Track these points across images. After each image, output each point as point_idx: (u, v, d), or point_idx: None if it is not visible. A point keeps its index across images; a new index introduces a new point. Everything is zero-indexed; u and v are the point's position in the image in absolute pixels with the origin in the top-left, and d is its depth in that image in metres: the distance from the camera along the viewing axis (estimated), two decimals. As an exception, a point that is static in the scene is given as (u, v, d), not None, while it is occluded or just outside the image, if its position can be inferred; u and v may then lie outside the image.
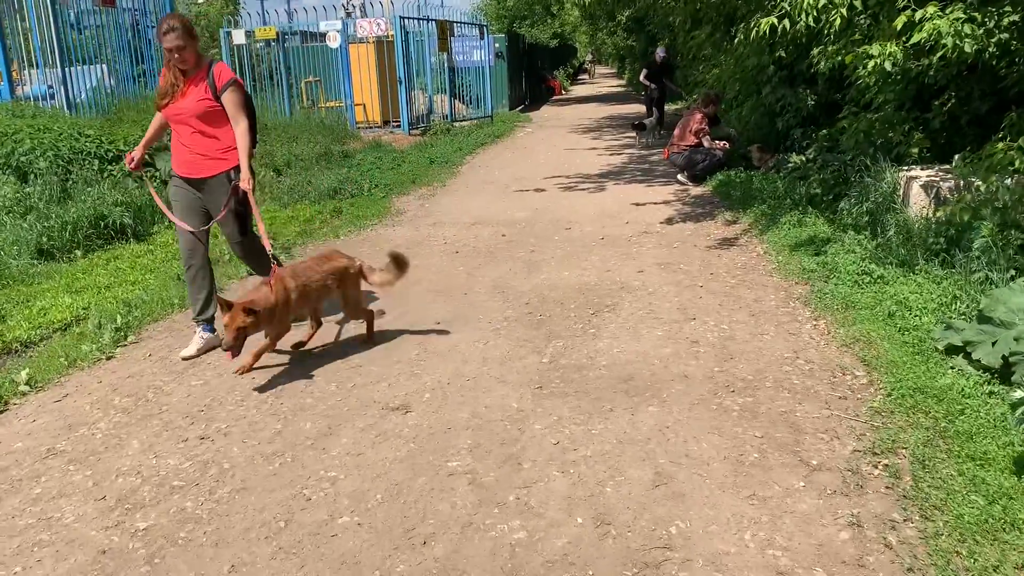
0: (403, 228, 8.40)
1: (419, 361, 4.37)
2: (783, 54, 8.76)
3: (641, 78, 16.78)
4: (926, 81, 7.19)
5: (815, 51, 8.12)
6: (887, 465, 3.00)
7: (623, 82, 44.18)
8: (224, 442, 3.52)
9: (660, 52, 16.42)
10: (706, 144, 9.79)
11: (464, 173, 12.31)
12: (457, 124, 18.30)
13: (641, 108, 24.91)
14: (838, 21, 6.01)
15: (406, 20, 16.18)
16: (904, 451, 3.08)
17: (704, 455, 3.17)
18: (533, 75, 31.21)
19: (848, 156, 8.11)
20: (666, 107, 17.37)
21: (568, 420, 3.54)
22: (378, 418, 3.65)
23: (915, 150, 7.26)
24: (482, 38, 19.33)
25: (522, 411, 3.66)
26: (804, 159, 9.06)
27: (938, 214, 5.06)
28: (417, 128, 16.91)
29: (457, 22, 18.32)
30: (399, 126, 16.59)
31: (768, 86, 9.78)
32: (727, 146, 9.99)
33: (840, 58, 6.57)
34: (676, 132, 10.05)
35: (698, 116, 9.81)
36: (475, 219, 8.63)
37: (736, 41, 8.83)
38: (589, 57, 48.58)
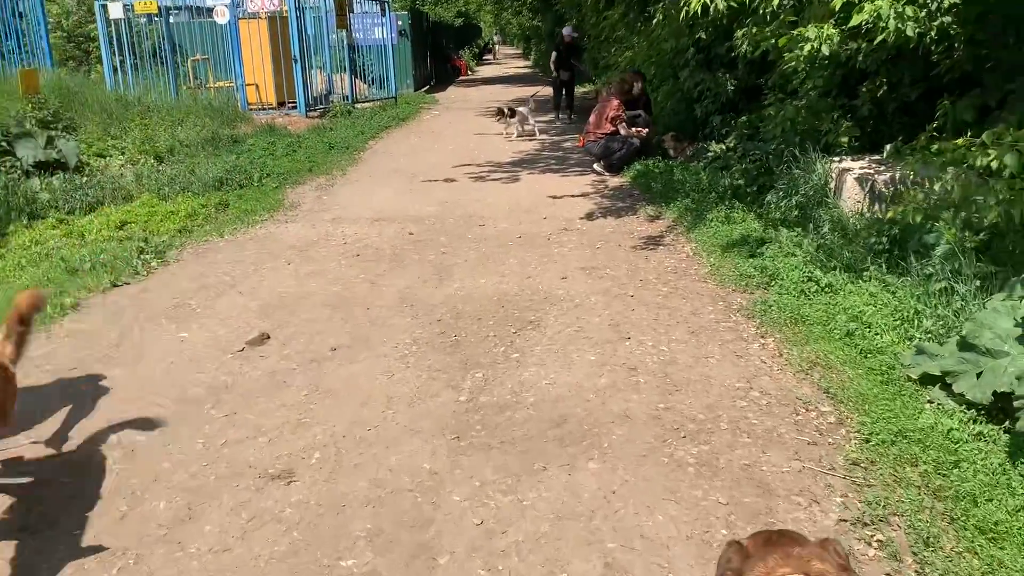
0: (297, 225, 7.54)
1: (308, 404, 3.62)
2: (703, 36, 8.28)
3: (551, 62, 15.91)
4: (856, 66, 6.83)
5: (739, 33, 7.67)
6: (882, 542, 2.47)
7: (529, 63, 43.60)
8: (38, 543, 2.71)
9: (568, 31, 15.50)
10: (623, 132, 9.26)
11: (366, 160, 11.45)
12: (359, 106, 17.29)
13: (548, 91, 24.34)
14: (775, 0, 5.49)
15: (300, -7, 15.06)
16: (898, 520, 2.56)
17: (662, 534, 2.57)
18: (438, 55, 30.24)
19: (772, 145, 7.73)
20: (576, 90, 16.77)
21: (493, 486, 2.88)
22: (253, 491, 2.90)
23: (844, 139, 6.89)
24: (383, 15, 18.33)
25: (436, 474, 2.98)
26: (724, 148, 8.65)
27: (888, 215, 4.63)
28: (315, 110, 15.83)
29: (356, -3, 17.28)
30: (295, 108, 15.49)
31: (686, 70, 9.31)
32: (644, 133, 9.50)
33: (772, 41, 6.10)
34: (591, 119, 9.48)
35: (614, 103, 9.27)
36: (379, 214, 7.85)
37: (655, 22, 8.31)
38: (495, 38, 47.79)
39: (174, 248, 6.74)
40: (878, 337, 3.85)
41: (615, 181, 9.04)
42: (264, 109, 15.58)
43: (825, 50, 5.54)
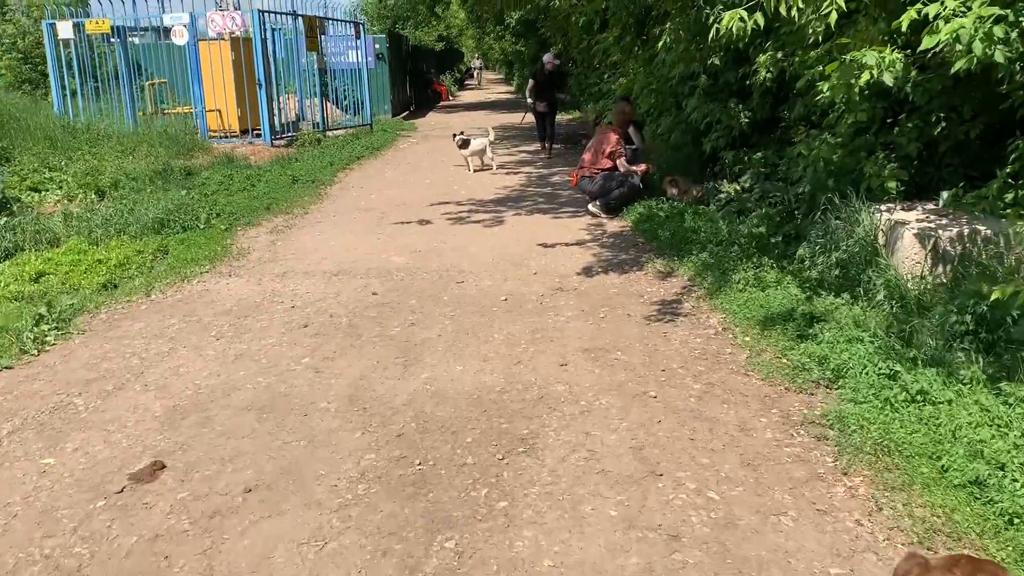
0: (240, 280, 6.32)
1: (191, 610, 2.41)
2: (716, 62, 7.20)
3: (527, 92, 14.27)
4: (906, 97, 5.76)
5: (762, 58, 6.61)
6: None
7: (512, 88, 42.74)
8: None
9: (548, 58, 13.83)
10: (621, 168, 8.15)
11: (333, 196, 10.26)
12: (331, 133, 16.14)
13: (532, 118, 23.29)
14: (832, 17, 4.39)
15: (266, 15, 13.93)
16: None
17: None
18: (418, 79, 29.22)
19: (799, 188, 6.64)
20: (558, 117, 15.37)
21: None
22: None
23: (891, 184, 5.79)
24: (358, 37, 17.22)
25: None
26: (739, 189, 7.56)
27: (994, 295, 3.49)
28: (282, 138, 14.66)
29: (329, 18, 16.15)
30: (261, 136, 14.31)
31: (692, 99, 8.23)
32: (646, 169, 8.39)
33: (818, 68, 5.01)
34: (586, 155, 8.37)
35: (613, 136, 8.17)
36: (338, 266, 6.65)
37: (659, 45, 7.23)
38: (477, 63, 46.89)
39: (85, 313, 5.51)
40: (1022, 489, 2.69)
41: (614, 225, 7.90)
42: (227, 137, 14.39)
43: (887, 79, 4.45)
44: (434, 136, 18.28)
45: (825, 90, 5.66)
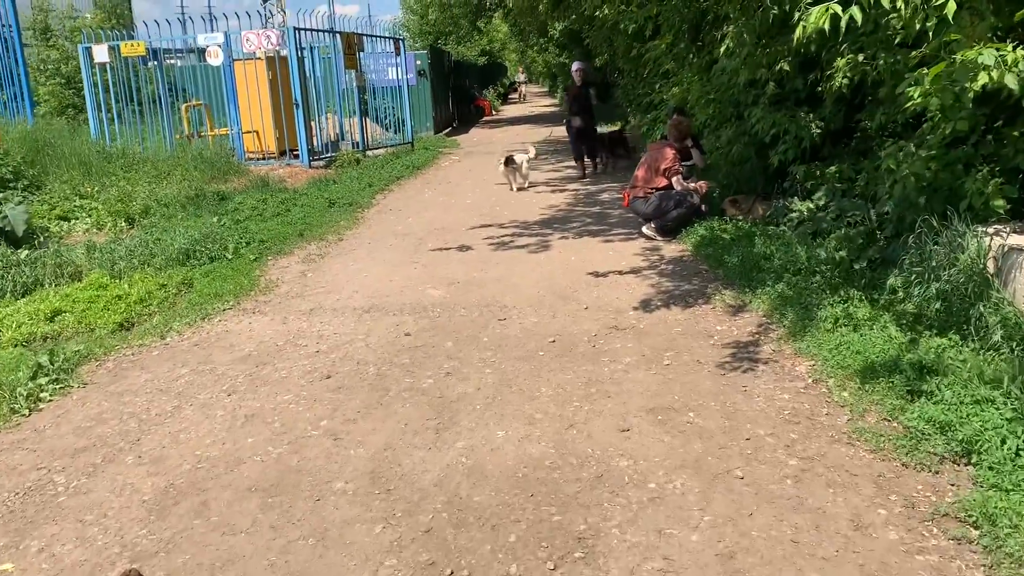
0: (264, 319, 5.78)
1: None
2: (786, 67, 6.47)
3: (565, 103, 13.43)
4: (1010, 101, 4.98)
5: (841, 62, 5.87)
6: None
7: (556, 101, 42.20)
8: None
9: (578, 66, 12.97)
10: (678, 187, 7.44)
11: (369, 220, 9.73)
12: (371, 153, 15.71)
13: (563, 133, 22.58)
14: (951, 7, 3.67)
15: (302, 32, 13.55)
16: None
17: None
18: (461, 95, 28.83)
19: (885, 208, 5.87)
20: (602, 129, 14.56)
21: None
22: None
23: (999, 202, 5.00)
24: (398, 54, 16.81)
25: None
26: (813, 207, 6.80)
27: None
28: (320, 159, 14.24)
29: (367, 35, 15.75)
30: (299, 157, 13.91)
31: (757, 109, 7.49)
32: (706, 187, 7.66)
33: (920, 72, 4.27)
34: (639, 172, 7.67)
35: (668, 152, 7.47)
36: (370, 300, 6.08)
37: (722, 50, 6.53)
38: (521, 77, 46.46)
39: (91, 360, 5.00)
40: None
41: (672, 249, 7.20)
42: (264, 159, 14.04)
43: (1011, 82, 3.70)
44: (477, 152, 17.76)
45: (916, 96, 4.94)
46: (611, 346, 4.75)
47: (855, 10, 3.56)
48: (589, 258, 7.03)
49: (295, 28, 13.20)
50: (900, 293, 4.99)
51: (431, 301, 5.97)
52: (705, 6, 9.06)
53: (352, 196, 11.14)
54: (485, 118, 30.81)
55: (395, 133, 18.05)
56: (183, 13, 15.85)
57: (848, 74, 5.95)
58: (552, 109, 36.66)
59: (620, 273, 6.40)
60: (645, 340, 4.82)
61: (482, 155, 17.14)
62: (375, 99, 17.89)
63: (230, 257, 7.74)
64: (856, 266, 5.72)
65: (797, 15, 4.06)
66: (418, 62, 21.63)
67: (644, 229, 7.60)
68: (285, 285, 6.80)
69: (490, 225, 8.87)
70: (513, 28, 27.97)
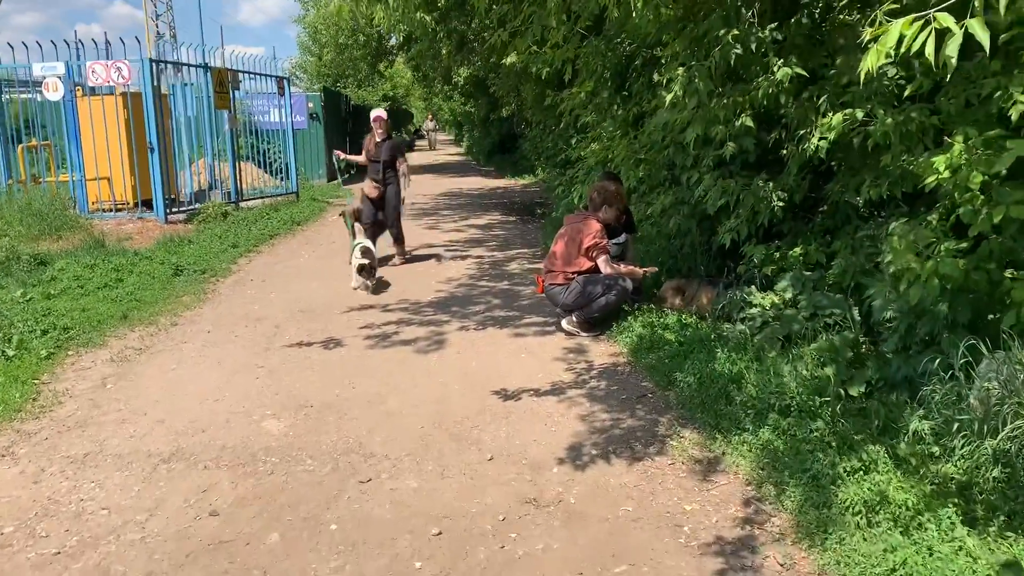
0: (11, 470, 3.83)
1: None
2: (749, 122, 5.01)
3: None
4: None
5: (835, 118, 4.46)
6: None
7: (462, 150, 40.96)
8: None
9: (378, 114, 9.73)
10: (606, 270, 5.86)
11: (220, 296, 7.78)
12: (248, 204, 13.71)
13: (483, 182, 21.03)
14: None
15: (161, 65, 11.56)
16: None
17: None
18: (360, 140, 26.99)
19: (887, 312, 4.44)
20: (508, 182, 12.84)
21: None
22: None
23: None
24: (281, 94, 14.95)
25: None
26: (778, 301, 5.34)
27: None
28: (182, 212, 12.16)
29: (244, 71, 13.83)
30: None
31: (698, 172, 6.02)
32: (644, 272, 6.10)
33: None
34: (556, 249, 6.05)
35: (593, 225, 5.89)
36: (178, 439, 4.19)
37: (668, 97, 5.03)
38: (430, 124, 44.97)
39: None
40: None
41: (601, 351, 5.57)
42: (116, 211, 11.85)
43: None
44: (371, 206, 15.94)
45: (943, 170, 3.57)
46: (529, 546, 3.03)
47: (975, 24, 1.99)
48: (495, 363, 5.33)
49: (151, 60, 11.19)
50: (929, 441, 3.50)
51: (266, 443, 4.12)
52: (631, 50, 7.67)
53: (208, 260, 9.16)
54: (386, 166, 29.04)
55: (282, 181, 16.09)
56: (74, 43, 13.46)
57: (830, 135, 4.54)
58: (458, 157, 35.30)
59: (536, 393, 4.71)
60: (580, 532, 3.13)
61: (377, 209, 15.35)
62: (260, 143, 15.91)
63: (11, 354, 5.69)
64: (852, 391, 4.24)
65: (865, 37, 2.50)
66: (310, 104, 19.81)
67: (564, 323, 5.96)
68: (71, 402, 4.83)
69: (372, 306, 7.08)
70: (416, 74, 26.49)
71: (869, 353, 4.85)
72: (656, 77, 7.38)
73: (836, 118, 4.21)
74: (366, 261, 7.68)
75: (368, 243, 8.14)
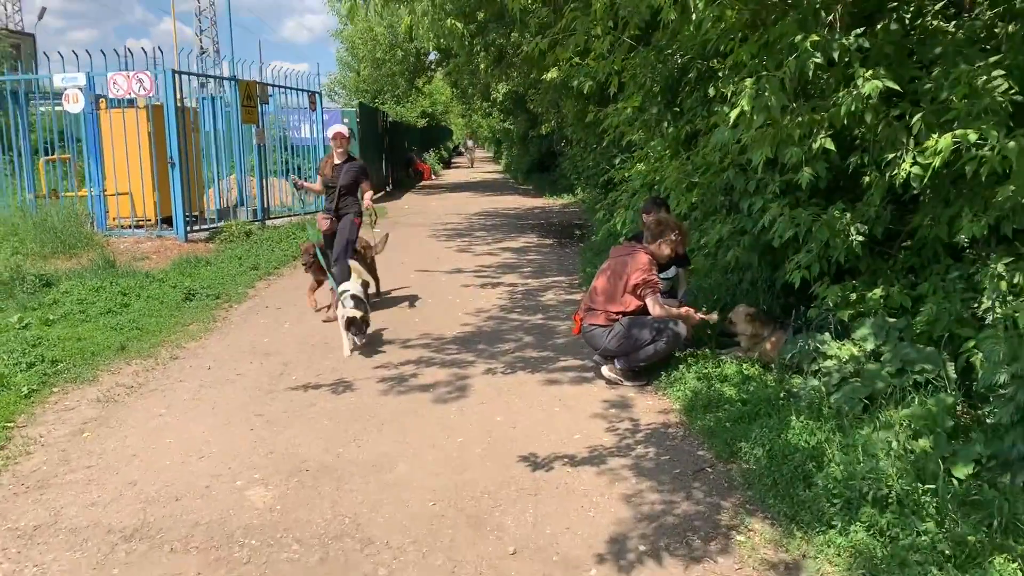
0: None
1: None
2: (828, 144, 4.25)
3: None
4: None
5: (939, 141, 3.70)
6: None
7: (500, 168, 40.45)
8: None
9: (337, 130, 7.38)
10: (655, 311, 5.10)
11: (232, 324, 7.18)
12: (274, 222, 13.19)
13: (521, 201, 20.29)
14: None
15: (182, 76, 11.13)
16: None
17: None
18: (398, 158, 26.62)
19: (999, 376, 3.65)
20: (547, 201, 12.02)
21: None
22: None
23: None
24: (313, 109, 14.48)
25: None
26: (858, 352, 4.56)
27: None
28: (204, 230, 11.67)
29: (274, 85, 13.36)
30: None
31: (762, 199, 5.27)
32: (699, 316, 5.33)
33: None
34: (597, 284, 5.31)
35: (642, 258, 5.15)
36: (145, 510, 3.53)
37: (733, 113, 4.30)
38: (469, 142, 44.51)
39: None
40: None
41: (648, 406, 4.81)
42: (135, 228, 11.39)
43: None
44: (405, 223, 15.42)
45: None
46: None
47: None
48: (524, 418, 4.60)
49: (174, 71, 10.74)
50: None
51: (247, 519, 3.45)
52: (684, 62, 6.95)
53: (223, 284, 8.60)
54: (424, 183, 28.64)
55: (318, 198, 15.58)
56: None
57: (934, 160, 3.75)
58: (496, 175, 34.77)
59: (572, 461, 3.96)
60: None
61: (410, 227, 14.79)
62: (296, 159, 15.44)
63: (-9, 390, 5.13)
64: (957, 472, 3.45)
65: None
66: (345, 120, 19.36)
67: (605, 370, 5.21)
68: (40, 453, 4.24)
69: (391, 341, 6.41)
70: (455, 90, 26.01)
71: (971, 421, 4.06)
72: (711, 92, 6.68)
73: (944, 140, 3.43)
74: (357, 313, 6.01)
75: (358, 288, 6.41)
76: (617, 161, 8.58)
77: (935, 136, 3.59)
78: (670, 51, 6.91)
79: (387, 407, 4.85)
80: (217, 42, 45.59)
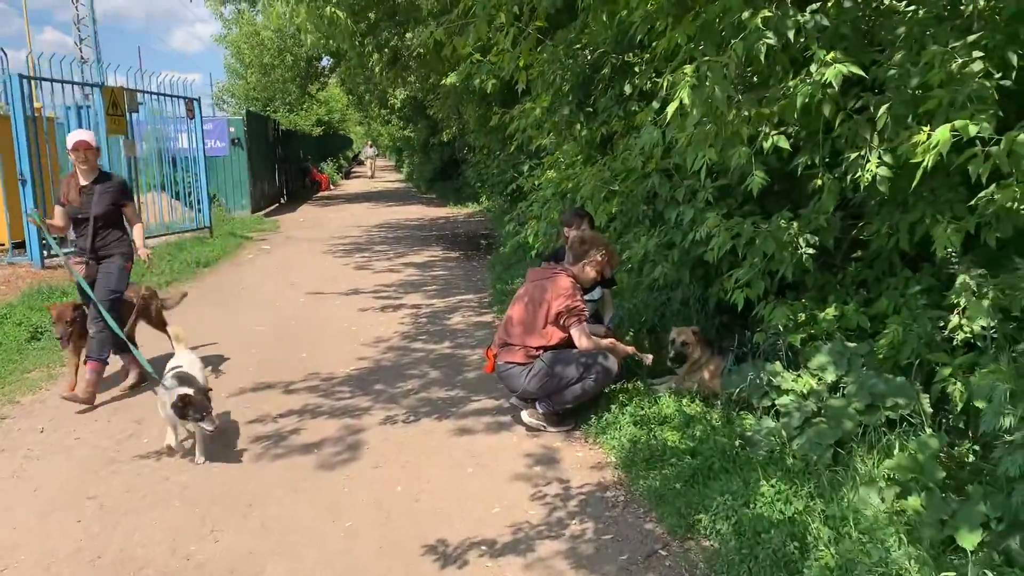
0: None
1: None
2: (781, 143, 3.57)
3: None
4: None
5: (940, 134, 3.06)
6: None
7: (401, 177, 39.33)
8: None
9: (78, 139, 5.06)
10: (583, 343, 4.33)
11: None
12: (151, 242, 11.85)
13: (424, 211, 19.23)
14: None
15: (33, 82, 9.76)
16: None
17: None
18: (291, 168, 25.24)
19: (1006, 420, 3.05)
20: (450, 211, 11.14)
21: None
22: None
23: None
24: (191, 118, 13.20)
25: None
26: (821, 384, 3.94)
27: None
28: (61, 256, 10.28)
29: (143, 91, 12.03)
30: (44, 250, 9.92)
31: (697, 207, 4.60)
32: (630, 352, 4.59)
33: None
34: (513, 314, 4.50)
35: (564, 282, 4.38)
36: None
37: (670, 108, 3.58)
38: (370, 150, 43.05)
39: None
40: None
41: (579, 462, 4.03)
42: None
43: None
44: (299, 238, 14.32)
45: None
46: None
47: None
48: (430, 488, 3.75)
49: (22, 76, 9.38)
50: None
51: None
52: (596, 57, 6.27)
53: (78, 320, 7.38)
54: (321, 193, 27.31)
55: (199, 213, 14.25)
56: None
57: (926, 158, 3.10)
58: (398, 184, 33.66)
59: (491, 550, 3.14)
60: None
61: (305, 241, 13.71)
62: (175, 172, 14.07)
63: None
64: (963, 542, 2.82)
65: None
66: (231, 129, 18.02)
67: (525, 415, 4.41)
68: None
69: (271, 385, 5.44)
70: (350, 96, 24.87)
71: (955, 466, 3.47)
72: (628, 89, 6.01)
73: (941, 134, 2.78)
74: (187, 391, 4.01)
75: (189, 358, 4.54)
76: (526, 168, 7.85)
77: (925, 129, 2.95)
78: (579, 45, 6.22)
79: (258, 480, 3.91)
80: (99, 51, 42.69)
